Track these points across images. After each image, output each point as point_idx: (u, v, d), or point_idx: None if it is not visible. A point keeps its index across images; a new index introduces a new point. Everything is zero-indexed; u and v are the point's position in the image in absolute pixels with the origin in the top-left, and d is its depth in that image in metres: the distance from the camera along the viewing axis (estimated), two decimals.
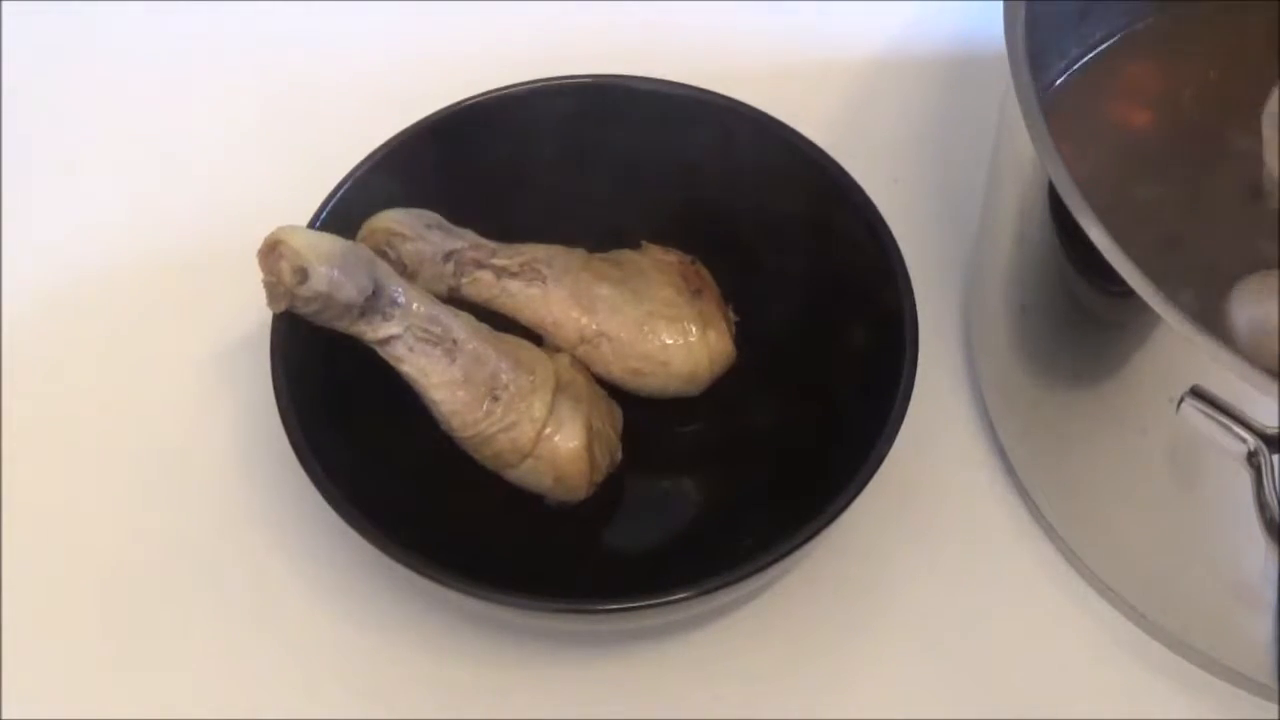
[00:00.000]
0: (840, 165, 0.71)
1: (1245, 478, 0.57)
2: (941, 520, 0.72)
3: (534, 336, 0.70)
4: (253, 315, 0.69)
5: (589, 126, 0.73)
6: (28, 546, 0.70)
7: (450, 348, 0.67)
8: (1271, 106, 0.68)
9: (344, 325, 0.65)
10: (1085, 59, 0.74)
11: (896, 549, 0.71)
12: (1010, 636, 0.69)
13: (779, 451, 0.70)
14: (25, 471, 0.72)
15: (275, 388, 0.66)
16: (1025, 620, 0.70)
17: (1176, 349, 0.57)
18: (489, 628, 0.69)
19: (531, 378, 0.68)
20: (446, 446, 0.68)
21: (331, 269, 0.64)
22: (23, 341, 0.76)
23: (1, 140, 0.81)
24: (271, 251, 0.64)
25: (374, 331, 0.66)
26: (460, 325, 0.67)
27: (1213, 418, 0.56)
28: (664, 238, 0.73)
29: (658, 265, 0.72)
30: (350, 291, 0.64)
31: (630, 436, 0.70)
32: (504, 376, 0.67)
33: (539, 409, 0.67)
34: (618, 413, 0.71)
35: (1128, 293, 0.57)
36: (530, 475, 0.68)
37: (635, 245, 0.73)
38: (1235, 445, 0.57)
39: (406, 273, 0.68)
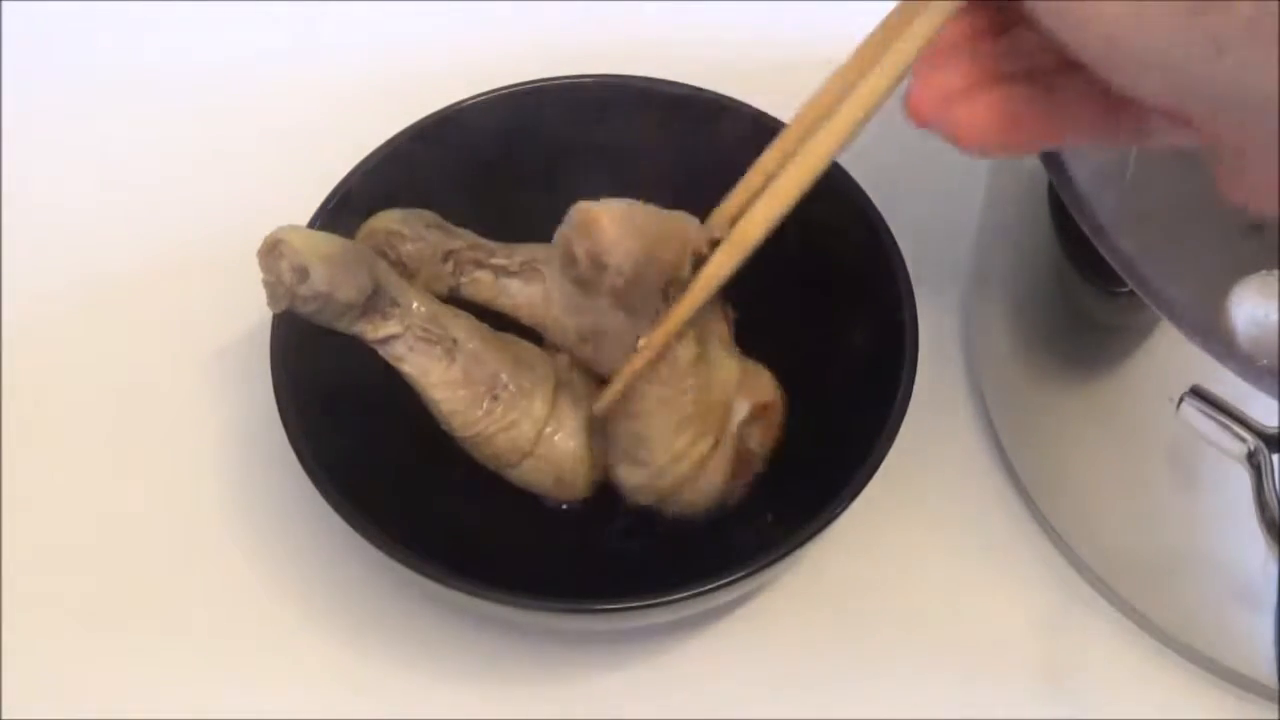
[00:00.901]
0: (840, 165, 0.71)
1: (1245, 478, 0.57)
2: (941, 521, 0.72)
3: (534, 336, 0.70)
4: (253, 315, 0.69)
5: (588, 126, 0.73)
6: (27, 546, 0.70)
7: (450, 347, 0.67)
8: None
9: (344, 325, 0.66)
10: None
11: (896, 549, 0.71)
12: (1009, 636, 0.69)
13: (780, 449, 0.70)
14: (25, 470, 0.72)
15: (275, 387, 0.66)
16: (1024, 620, 0.70)
17: (1176, 349, 0.57)
18: (488, 627, 0.69)
19: (532, 377, 0.68)
20: (446, 446, 0.68)
21: (331, 268, 0.64)
22: (23, 341, 0.76)
23: (1, 139, 0.81)
24: (271, 251, 0.64)
25: (374, 331, 0.66)
26: (460, 325, 0.67)
27: (1212, 417, 0.56)
28: None
29: None
30: (350, 291, 0.64)
31: None
32: (504, 376, 0.67)
33: (539, 408, 0.67)
34: None
35: (1127, 293, 0.57)
36: (530, 474, 0.68)
37: None
38: (1235, 445, 0.57)
39: (406, 273, 0.68)
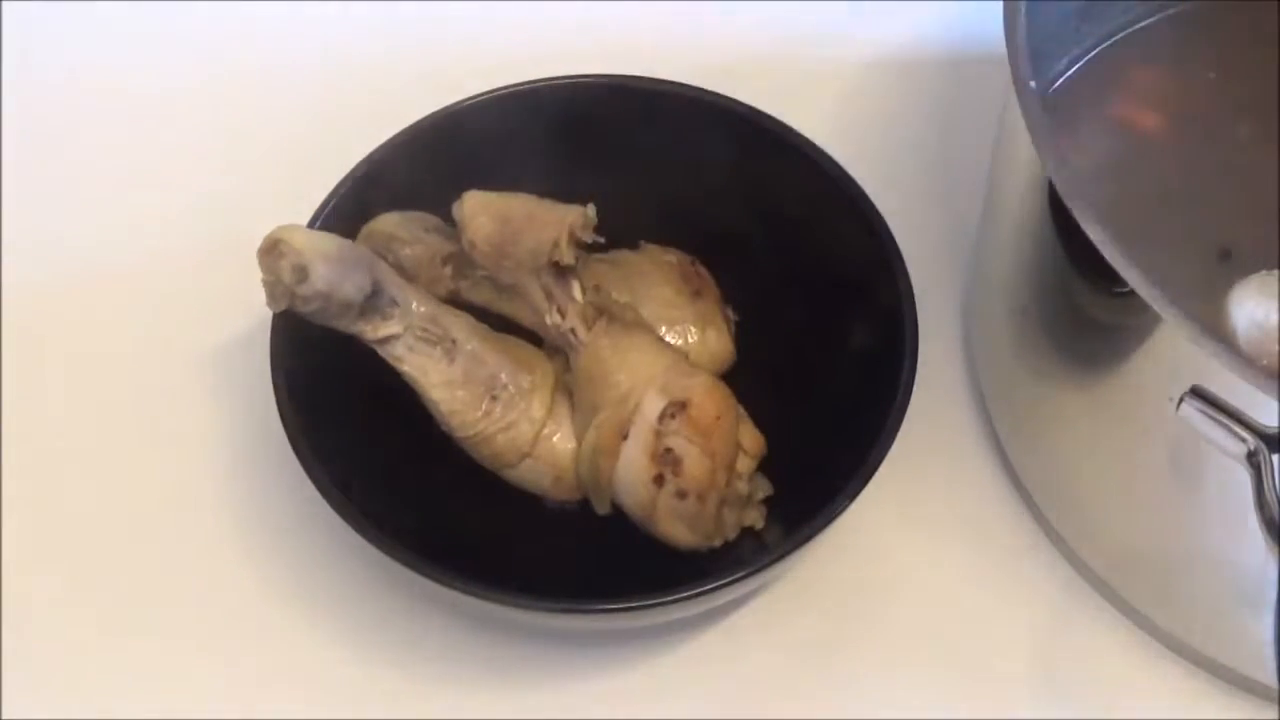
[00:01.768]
0: (840, 165, 0.71)
1: (1245, 478, 0.57)
2: (941, 520, 0.72)
3: (533, 338, 0.70)
4: (253, 314, 0.69)
5: (588, 126, 0.73)
6: (27, 545, 0.70)
7: (449, 348, 0.67)
8: None
9: (343, 325, 0.66)
10: (1086, 58, 0.74)
11: (896, 549, 0.71)
12: (1010, 636, 0.69)
13: (779, 451, 0.70)
14: (25, 471, 0.72)
15: (275, 387, 0.66)
16: (1025, 620, 0.70)
17: (1177, 349, 0.57)
18: (487, 627, 0.69)
19: (531, 378, 0.68)
20: (446, 446, 0.68)
21: (331, 268, 0.64)
22: (23, 340, 0.76)
23: (1, 139, 0.81)
24: (271, 250, 0.64)
25: (373, 331, 0.66)
26: (459, 325, 0.67)
27: (1212, 417, 0.56)
28: (664, 237, 0.73)
29: (657, 265, 0.72)
30: (349, 291, 0.64)
31: None
32: (503, 376, 0.67)
33: (538, 409, 0.67)
34: None
35: (1128, 293, 0.57)
36: (529, 475, 0.68)
37: (634, 245, 0.73)
38: (1235, 445, 0.56)
39: (406, 276, 0.68)
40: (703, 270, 0.72)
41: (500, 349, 0.68)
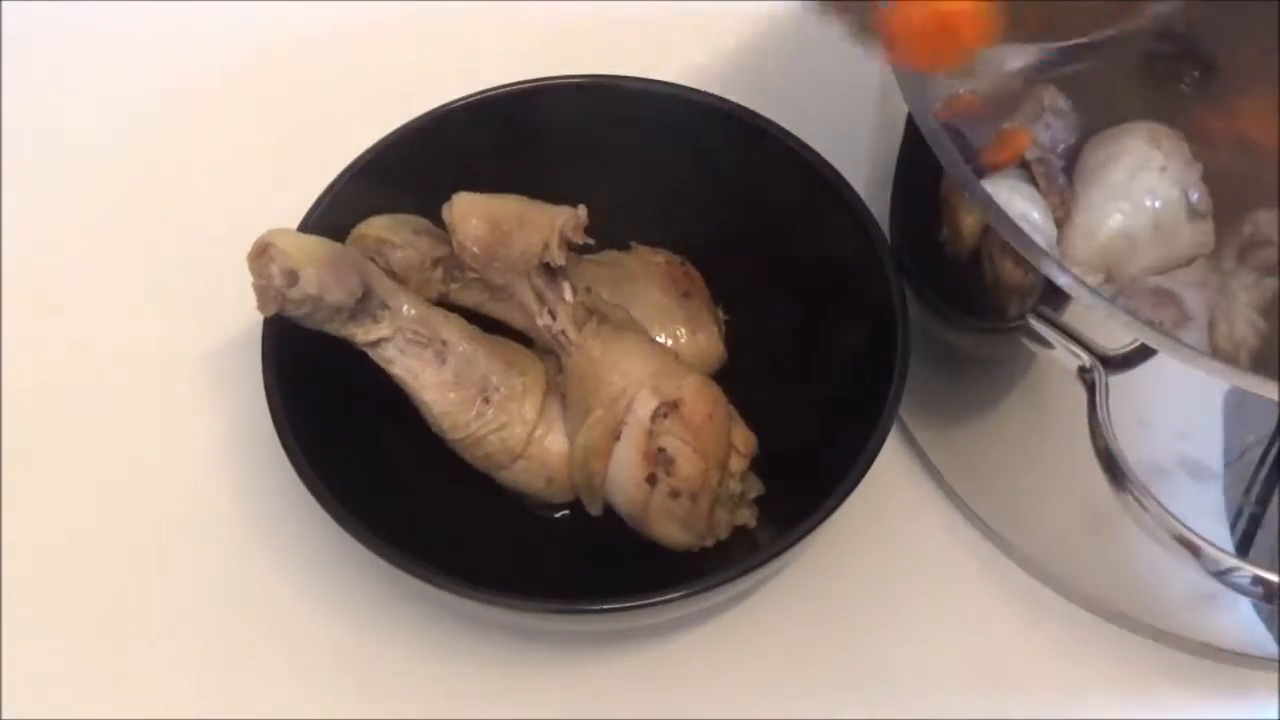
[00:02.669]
0: (831, 165, 0.71)
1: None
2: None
3: (525, 339, 0.70)
4: (244, 317, 0.69)
5: (578, 127, 0.73)
6: (26, 548, 0.71)
7: (440, 350, 0.67)
8: None
9: (334, 328, 0.66)
10: None
11: (894, 549, 0.72)
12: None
13: (770, 451, 0.70)
14: (23, 473, 0.72)
15: (267, 390, 0.66)
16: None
17: (1026, 276, 0.60)
18: (483, 628, 0.69)
19: (522, 380, 0.68)
20: (438, 448, 0.68)
21: (321, 271, 0.64)
22: (19, 343, 0.76)
23: (1, 139, 0.81)
24: (262, 254, 0.64)
25: (364, 334, 0.66)
26: (450, 327, 0.67)
27: (1051, 336, 0.59)
28: (653, 238, 0.73)
29: (646, 267, 0.72)
30: (340, 294, 0.64)
31: None
32: (494, 378, 0.67)
33: (530, 411, 0.67)
34: None
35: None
36: (522, 476, 0.68)
37: (624, 247, 0.73)
38: (1070, 361, 0.59)
39: (396, 279, 0.68)
40: (692, 271, 0.73)
41: (491, 351, 0.68)
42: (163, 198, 0.80)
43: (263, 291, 0.64)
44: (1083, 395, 0.59)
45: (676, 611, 0.66)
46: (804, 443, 0.70)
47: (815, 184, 0.71)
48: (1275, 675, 0.68)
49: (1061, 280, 0.58)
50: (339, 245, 0.66)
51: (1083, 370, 0.59)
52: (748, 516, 0.68)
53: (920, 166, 0.62)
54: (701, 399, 0.66)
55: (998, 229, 0.59)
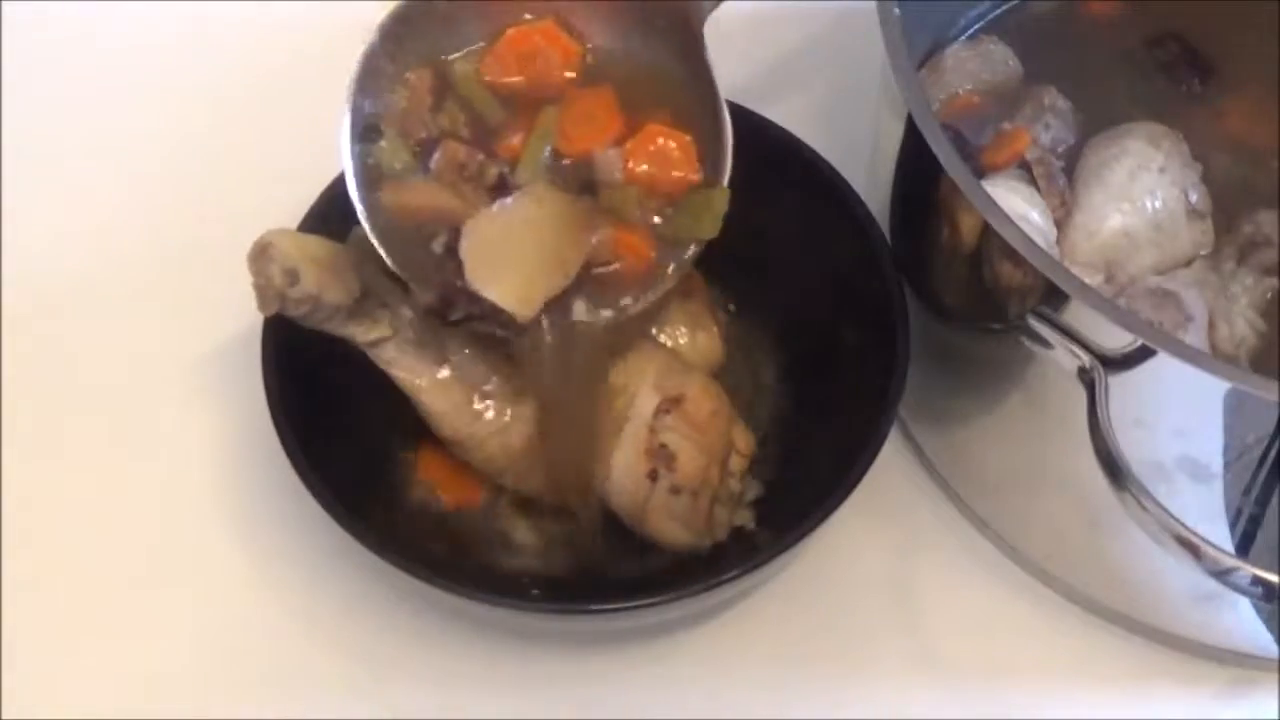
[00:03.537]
0: (833, 167, 0.71)
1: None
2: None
3: None
4: (245, 317, 0.69)
5: None
6: (26, 547, 0.71)
7: (440, 350, 0.67)
8: None
9: (333, 328, 0.65)
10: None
11: (890, 548, 0.72)
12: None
13: (770, 451, 0.70)
14: (22, 473, 0.72)
15: (266, 389, 0.66)
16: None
17: (1027, 276, 0.59)
18: (482, 627, 0.69)
19: (522, 380, 0.67)
20: (438, 449, 0.68)
21: (321, 271, 0.64)
22: (18, 342, 0.76)
23: (1, 139, 0.81)
24: (261, 254, 0.64)
25: (364, 334, 0.66)
26: (450, 329, 0.67)
27: (1051, 336, 0.59)
28: None
29: None
30: (339, 294, 0.64)
31: None
32: (495, 379, 0.67)
33: (530, 411, 0.67)
34: None
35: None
36: (523, 477, 0.68)
37: None
38: (1069, 361, 0.59)
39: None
40: (692, 272, 0.72)
41: (492, 352, 0.68)
42: (163, 198, 0.80)
43: (263, 291, 0.64)
44: (1083, 395, 0.59)
45: (676, 611, 0.66)
46: (804, 443, 0.69)
47: (815, 184, 0.71)
48: (1275, 675, 0.68)
49: (1061, 280, 0.58)
50: (339, 245, 0.66)
51: (1083, 370, 0.59)
52: (747, 517, 0.68)
53: (920, 167, 0.62)
54: (704, 396, 0.66)
55: (998, 229, 0.59)
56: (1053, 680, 0.69)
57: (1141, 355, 0.57)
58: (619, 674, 0.69)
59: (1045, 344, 0.60)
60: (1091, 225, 0.67)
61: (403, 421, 0.68)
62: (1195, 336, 0.65)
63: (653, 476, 0.65)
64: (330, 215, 0.70)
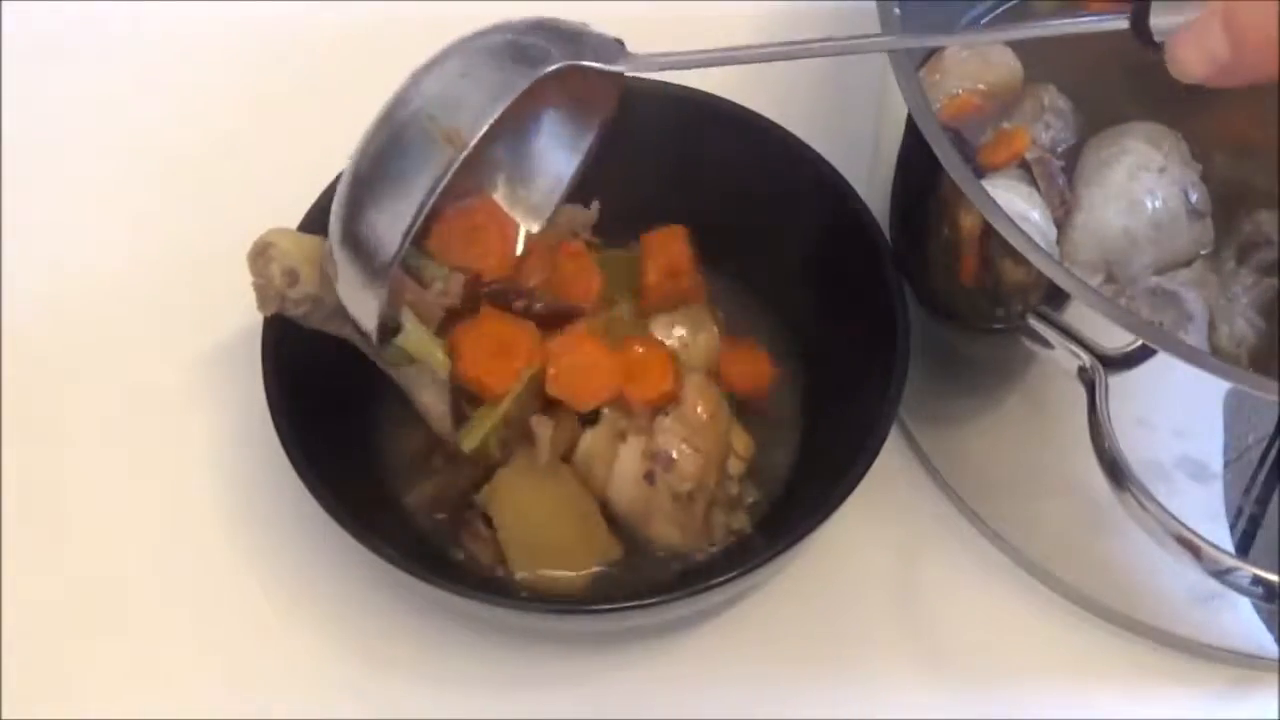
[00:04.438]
0: (832, 165, 0.71)
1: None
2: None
3: None
4: (244, 317, 0.69)
5: None
6: (26, 547, 0.70)
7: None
8: None
9: (334, 328, 0.65)
10: None
11: (888, 548, 0.72)
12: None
13: (769, 452, 0.70)
14: (22, 473, 0.72)
15: (266, 389, 0.66)
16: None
17: (1027, 275, 0.59)
18: (483, 627, 0.69)
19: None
20: (438, 449, 0.68)
21: (321, 271, 0.64)
22: (18, 344, 0.76)
23: (1, 139, 0.81)
24: (261, 254, 0.64)
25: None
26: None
27: (1051, 336, 0.59)
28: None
29: None
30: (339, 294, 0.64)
31: None
32: None
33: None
34: None
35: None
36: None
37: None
38: (1069, 361, 0.59)
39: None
40: (694, 273, 0.72)
41: None
42: (162, 197, 0.80)
43: (263, 291, 0.64)
44: (1083, 395, 0.59)
45: (676, 611, 0.66)
46: (803, 444, 0.70)
47: (815, 183, 0.71)
48: (1275, 675, 0.68)
49: (1061, 280, 0.58)
50: None
51: (1083, 370, 0.59)
52: (743, 521, 0.68)
53: (920, 166, 0.62)
54: (703, 398, 0.66)
55: (998, 229, 0.59)
56: (1053, 680, 0.69)
57: (1142, 355, 0.57)
58: (619, 674, 0.69)
59: (1045, 344, 0.60)
60: (1091, 225, 0.67)
61: (403, 421, 0.68)
62: (1195, 336, 0.65)
63: (650, 478, 0.65)
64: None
